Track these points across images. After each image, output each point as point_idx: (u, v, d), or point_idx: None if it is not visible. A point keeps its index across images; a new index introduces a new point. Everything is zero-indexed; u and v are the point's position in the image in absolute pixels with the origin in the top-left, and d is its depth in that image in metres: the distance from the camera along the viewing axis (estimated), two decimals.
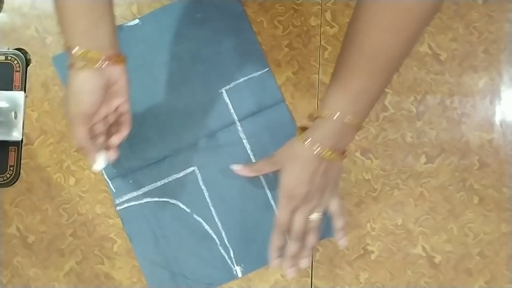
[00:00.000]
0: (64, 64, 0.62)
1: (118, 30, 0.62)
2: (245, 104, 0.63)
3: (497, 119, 0.63)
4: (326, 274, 0.62)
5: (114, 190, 0.63)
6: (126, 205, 0.62)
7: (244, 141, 0.63)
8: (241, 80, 0.63)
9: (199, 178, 0.62)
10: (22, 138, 0.64)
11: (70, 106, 0.50)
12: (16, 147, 0.64)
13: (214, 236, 0.62)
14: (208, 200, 0.62)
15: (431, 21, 0.47)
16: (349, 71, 0.50)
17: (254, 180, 0.62)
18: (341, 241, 0.57)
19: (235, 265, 0.62)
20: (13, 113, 0.63)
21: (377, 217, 0.62)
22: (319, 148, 0.52)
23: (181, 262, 0.62)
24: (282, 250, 0.56)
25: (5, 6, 0.65)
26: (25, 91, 0.64)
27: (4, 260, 0.63)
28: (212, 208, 0.62)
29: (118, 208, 0.63)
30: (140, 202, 0.62)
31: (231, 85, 0.63)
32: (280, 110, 0.63)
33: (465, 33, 0.63)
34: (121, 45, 0.63)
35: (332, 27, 0.64)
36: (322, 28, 0.64)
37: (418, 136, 0.63)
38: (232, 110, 0.63)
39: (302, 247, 0.56)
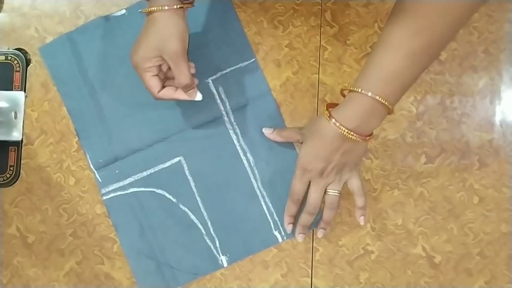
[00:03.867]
0: (52, 54, 0.63)
1: (104, 21, 0.62)
2: (231, 94, 0.63)
3: (497, 119, 0.63)
4: (326, 274, 0.62)
5: (100, 180, 0.63)
6: (112, 195, 0.63)
7: (231, 131, 0.63)
8: (228, 70, 0.63)
9: (185, 168, 0.63)
10: (22, 138, 0.64)
11: (170, 46, 0.53)
12: (16, 147, 0.64)
13: (200, 226, 0.62)
14: (194, 190, 0.62)
15: (479, 8, 0.46)
16: (388, 50, 0.49)
17: (240, 170, 0.62)
18: (360, 218, 0.59)
19: (220, 254, 0.62)
20: (13, 113, 0.63)
21: (377, 217, 0.62)
22: (342, 129, 0.52)
23: (166, 252, 0.62)
24: (295, 218, 0.60)
25: (5, 6, 0.65)
26: (25, 91, 0.64)
27: (4, 260, 0.63)
28: (198, 198, 0.62)
29: (104, 198, 0.63)
30: (126, 192, 0.63)
31: (217, 75, 0.63)
32: (267, 101, 0.63)
33: (465, 33, 0.63)
34: (107, 35, 0.63)
35: (332, 27, 0.64)
36: (322, 28, 0.64)
37: (418, 136, 0.63)
38: (218, 101, 0.63)
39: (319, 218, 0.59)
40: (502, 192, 0.62)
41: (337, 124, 0.52)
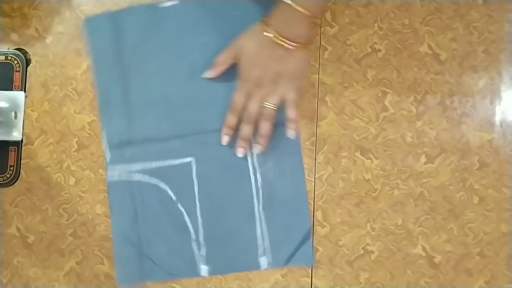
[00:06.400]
0: (96, 26, 0.64)
1: (153, 8, 0.63)
2: None
3: (497, 119, 0.63)
4: (326, 274, 0.62)
5: (109, 160, 0.63)
6: (116, 177, 0.63)
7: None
8: None
9: (194, 170, 0.62)
10: (22, 138, 0.64)
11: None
12: (16, 147, 0.64)
13: (191, 230, 0.62)
14: (196, 193, 0.62)
15: None
16: None
17: (245, 187, 0.62)
18: (290, 131, 0.60)
19: (203, 263, 0.62)
20: (13, 113, 0.63)
21: (377, 217, 0.62)
22: (270, 31, 0.56)
23: (152, 246, 0.62)
24: (233, 130, 0.61)
25: (5, 6, 0.65)
26: (25, 91, 0.64)
27: (4, 260, 0.63)
28: (197, 203, 0.62)
29: (108, 178, 0.63)
30: (130, 177, 0.63)
31: None
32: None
33: (465, 33, 0.63)
34: (153, 22, 0.63)
35: (332, 27, 0.64)
36: (322, 28, 0.64)
37: (418, 136, 0.63)
38: None
39: (256, 132, 0.61)
40: (502, 192, 0.62)
41: (265, 27, 0.57)
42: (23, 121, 0.64)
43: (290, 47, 0.57)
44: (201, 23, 0.63)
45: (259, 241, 0.62)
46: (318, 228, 0.62)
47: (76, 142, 0.64)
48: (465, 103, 0.63)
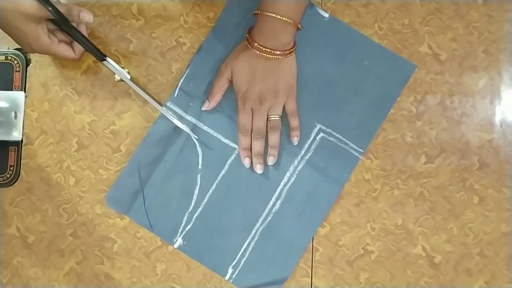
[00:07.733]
0: (232, 11, 0.64)
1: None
2: (319, 152, 0.62)
3: (497, 119, 0.63)
4: (326, 274, 0.62)
5: (175, 95, 0.63)
6: (170, 114, 0.63)
7: (289, 173, 0.62)
8: (338, 136, 0.62)
9: (232, 157, 0.63)
10: (22, 138, 0.64)
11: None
12: (16, 147, 0.64)
13: (192, 203, 0.62)
14: (219, 177, 0.62)
15: None
16: None
17: (260, 204, 0.62)
18: (294, 139, 0.62)
19: (181, 237, 0.62)
20: (13, 113, 0.63)
21: (377, 217, 0.62)
22: (258, 47, 0.57)
23: (152, 191, 0.62)
24: (249, 151, 0.62)
25: None
26: (25, 91, 0.64)
27: (4, 260, 0.63)
28: (214, 185, 0.62)
29: (163, 111, 0.63)
30: (180, 122, 0.62)
31: (328, 130, 0.63)
32: (333, 187, 0.62)
33: (465, 33, 0.63)
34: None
35: None
36: None
37: (418, 136, 0.63)
38: (306, 145, 0.62)
39: (270, 146, 0.62)
40: (502, 192, 0.62)
41: (251, 42, 0.58)
42: (23, 121, 0.64)
43: (279, 57, 0.58)
44: (332, 50, 0.63)
45: (238, 254, 0.62)
46: (318, 228, 0.62)
47: (76, 142, 0.64)
48: (465, 103, 0.63)
